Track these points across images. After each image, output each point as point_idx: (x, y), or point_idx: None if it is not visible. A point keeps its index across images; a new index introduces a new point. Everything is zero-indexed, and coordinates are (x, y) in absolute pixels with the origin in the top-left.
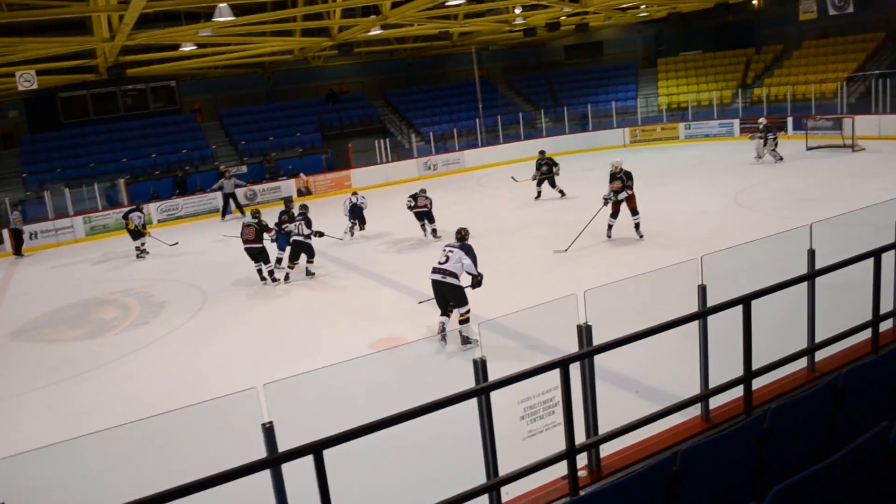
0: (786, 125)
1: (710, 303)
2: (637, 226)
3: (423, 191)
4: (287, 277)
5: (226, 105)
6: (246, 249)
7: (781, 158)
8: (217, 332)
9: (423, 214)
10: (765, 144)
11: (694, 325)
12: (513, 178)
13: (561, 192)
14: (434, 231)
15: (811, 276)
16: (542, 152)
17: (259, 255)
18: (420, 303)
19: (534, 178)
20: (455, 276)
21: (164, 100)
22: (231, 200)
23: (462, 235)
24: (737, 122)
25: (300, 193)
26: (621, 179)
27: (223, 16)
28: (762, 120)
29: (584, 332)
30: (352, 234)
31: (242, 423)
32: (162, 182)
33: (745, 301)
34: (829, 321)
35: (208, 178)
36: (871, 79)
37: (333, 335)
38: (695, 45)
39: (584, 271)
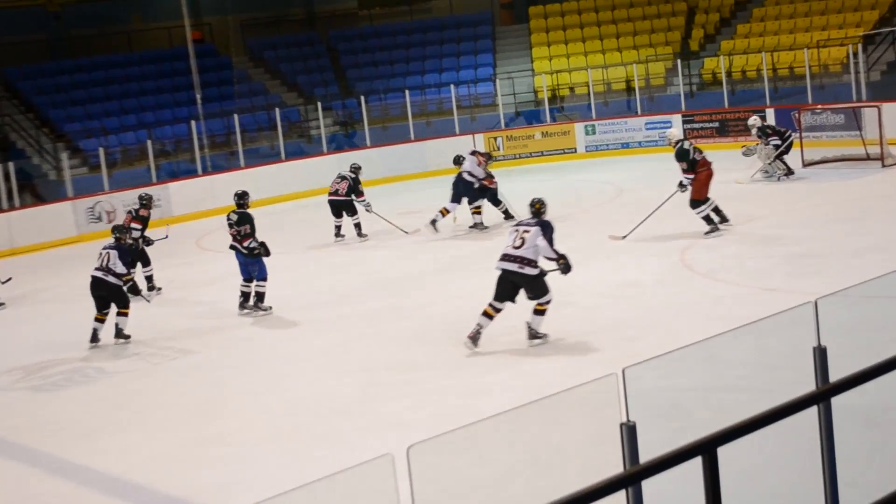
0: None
1: (645, 454)
2: (710, 218)
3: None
4: (114, 334)
5: None
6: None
7: (791, 172)
8: None
9: (339, 205)
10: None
11: (620, 498)
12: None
13: (506, 212)
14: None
15: (823, 395)
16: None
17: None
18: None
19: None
20: (534, 263)
21: None
22: None
23: (537, 209)
24: (678, 119)
25: None
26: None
27: None
28: (754, 119)
29: None
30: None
31: None
32: None
33: (706, 449)
34: (862, 476)
35: None
36: None
37: None
38: None
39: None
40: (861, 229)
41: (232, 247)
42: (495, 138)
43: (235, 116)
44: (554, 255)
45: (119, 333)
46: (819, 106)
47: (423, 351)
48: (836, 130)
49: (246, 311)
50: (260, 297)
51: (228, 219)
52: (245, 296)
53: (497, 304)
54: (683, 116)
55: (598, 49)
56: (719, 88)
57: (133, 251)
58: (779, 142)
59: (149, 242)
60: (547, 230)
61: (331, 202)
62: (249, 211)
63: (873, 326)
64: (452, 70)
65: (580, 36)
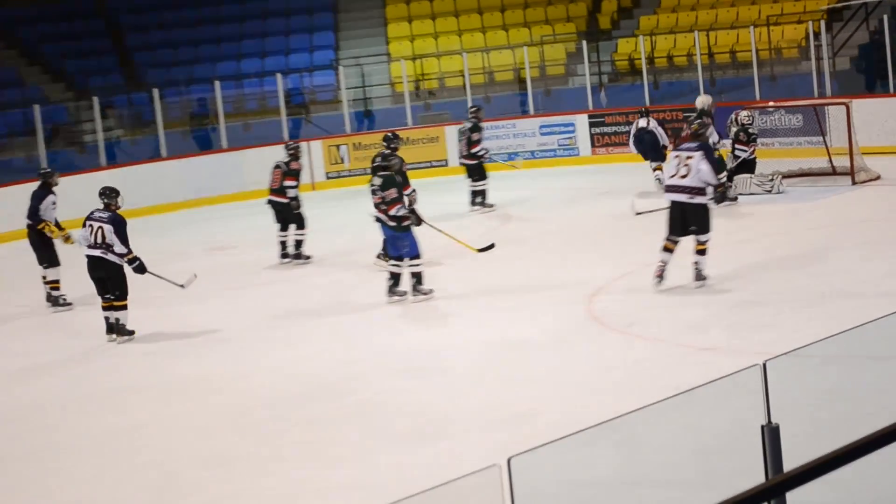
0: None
1: None
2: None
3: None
4: (117, 332)
5: None
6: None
7: (778, 190)
8: None
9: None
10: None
11: None
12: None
13: (482, 202)
14: (481, 196)
15: (774, 489)
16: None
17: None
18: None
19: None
20: (703, 191)
21: None
22: None
23: (695, 130)
24: (584, 120)
25: None
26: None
27: None
28: (743, 115)
29: None
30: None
31: None
32: None
33: None
34: None
35: None
36: (884, 14)
37: None
38: None
39: None
40: (824, 269)
41: (377, 219)
42: (338, 146)
43: None
44: (714, 182)
45: (121, 330)
46: (770, 103)
47: (239, 437)
48: (792, 135)
49: (396, 297)
50: (418, 278)
51: (371, 184)
52: (395, 279)
53: (674, 238)
54: (590, 117)
55: (478, 27)
56: (638, 80)
57: (295, 210)
58: (745, 153)
59: None
60: (709, 153)
61: (465, 165)
62: (394, 174)
63: (840, 396)
64: (279, 54)
65: (452, 9)
